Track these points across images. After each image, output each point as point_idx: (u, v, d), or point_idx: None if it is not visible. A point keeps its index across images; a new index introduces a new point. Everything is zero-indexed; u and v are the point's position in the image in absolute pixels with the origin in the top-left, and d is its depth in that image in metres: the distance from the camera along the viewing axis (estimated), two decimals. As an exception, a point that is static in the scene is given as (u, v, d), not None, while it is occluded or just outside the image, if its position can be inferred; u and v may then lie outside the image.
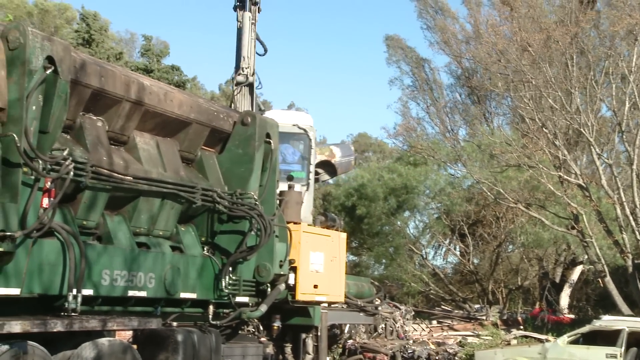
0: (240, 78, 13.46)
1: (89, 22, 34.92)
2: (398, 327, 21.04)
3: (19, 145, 7.03)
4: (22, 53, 7.15)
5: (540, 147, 24.06)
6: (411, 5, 61.01)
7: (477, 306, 30.58)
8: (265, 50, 15.11)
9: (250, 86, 13.59)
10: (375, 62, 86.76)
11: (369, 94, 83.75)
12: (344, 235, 13.27)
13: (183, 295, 9.34)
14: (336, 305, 14.02)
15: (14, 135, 7.03)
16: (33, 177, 7.25)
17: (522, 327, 25.67)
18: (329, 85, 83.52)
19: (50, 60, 7.37)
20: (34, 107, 7.22)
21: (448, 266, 37.50)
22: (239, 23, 14.17)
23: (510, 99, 29.70)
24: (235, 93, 13.40)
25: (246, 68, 13.59)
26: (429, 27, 38.79)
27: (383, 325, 19.73)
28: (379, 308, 17.89)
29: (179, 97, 9.63)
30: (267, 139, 10.68)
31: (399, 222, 33.75)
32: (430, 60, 39.60)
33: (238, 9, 14.19)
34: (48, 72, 7.34)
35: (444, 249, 36.53)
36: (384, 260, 34.96)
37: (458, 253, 35.63)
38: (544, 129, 24.24)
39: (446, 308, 30.79)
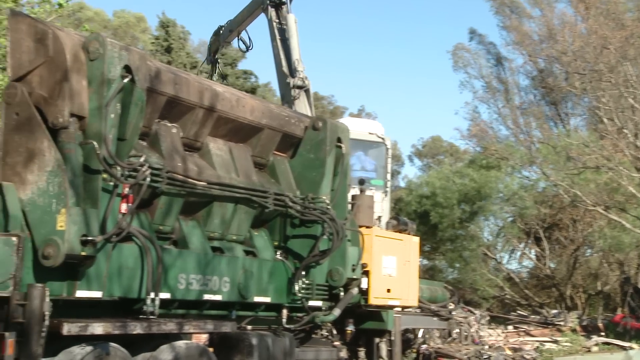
0: (297, 82, 13.49)
1: (168, 30, 35.58)
2: (473, 332, 20.73)
3: (98, 152, 7.25)
4: (102, 63, 7.39)
5: (620, 149, 23.35)
6: (484, 7, 60.33)
7: (554, 311, 29.86)
8: (249, 48, 15.59)
9: (306, 90, 13.63)
10: (448, 63, 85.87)
11: (442, 95, 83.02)
12: (416, 239, 13.18)
13: (257, 299, 9.44)
14: (409, 309, 13.92)
15: (94, 143, 7.26)
16: (112, 184, 7.47)
17: (602, 333, 24.93)
18: (400, 88, 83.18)
19: (127, 69, 7.59)
20: (112, 115, 7.44)
21: (523, 270, 36.76)
22: (277, 23, 14.09)
23: (588, 100, 28.95)
24: (296, 98, 13.43)
25: (302, 71, 13.63)
26: (505, 27, 38.13)
27: (457, 330, 19.47)
28: (453, 313, 17.67)
29: (251, 103, 9.76)
30: (338, 144, 10.71)
31: (472, 227, 33.29)
32: (511, 59, 38.74)
33: (270, 8, 14.19)
34: (125, 80, 7.55)
35: (518, 253, 35.85)
36: (457, 265, 34.51)
37: (534, 257, 34.90)
38: (623, 129, 23.52)
39: (522, 313, 30.18)
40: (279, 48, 14.06)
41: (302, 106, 13.35)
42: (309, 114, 12.99)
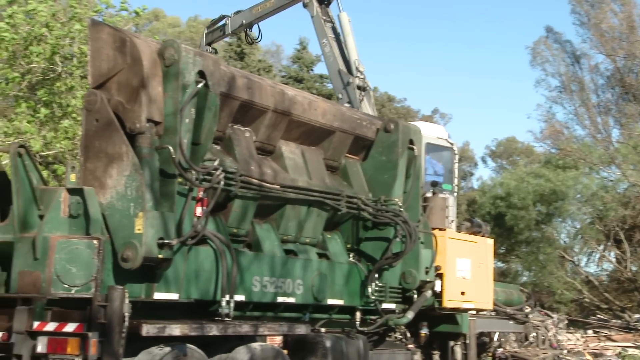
0: (359, 82, 13.35)
1: (240, 36, 36.10)
2: (550, 336, 20.27)
3: (174, 157, 7.40)
4: (176, 69, 7.53)
5: None
6: (561, 4, 59.01)
7: (637, 316, 28.90)
8: (256, 41, 15.13)
9: (367, 90, 13.46)
10: (523, 63, 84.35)
11: (517, 96, 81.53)
12: (490, 241, 12.99)
13: (330, 301, 9.46)
14: (484, 312, 13.72)
15: (170, 148, 7.41)
16: (187, 187, 7.60)
17: (687, 339, 23.98)
18: (474, 89, 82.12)
19: (201, 74, 7.71)
20: (187, 120, 7.57)
21: (603, 274, 35.75)
22: (325, 20, 13.75)
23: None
24: (360, 99, 13.33)
25: (362, 72, 13.44)
26: (582, 23, 37.15)
27: (534, 334, 19.06)
28: (530, 316, 17.34)
29: (322, 106, 9.79)
30: (410, 146, 10.63)
31: (548, 229, 32.57)
32: (590, 56, 37.68)
33: (316, 3, 13.76)
34: (199, 85, 7.68)
35: (597, 256, 34.88)
36: (533, 267, 33.82)
37: (614, 260, 33.89)
38: None
39: (602, 317, 29.33)
40: (333, 47, 13.72)
41: (365, 107, 13.25)
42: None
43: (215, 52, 16.28)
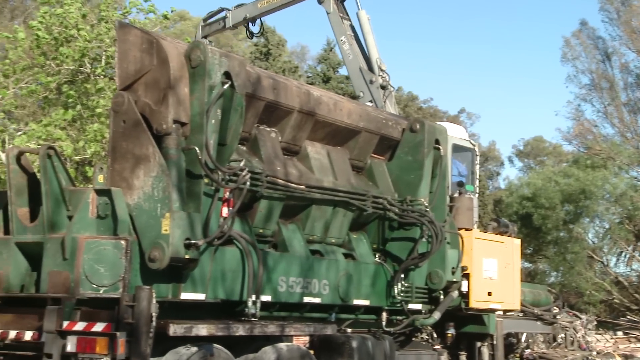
0: (382, 82, 13.24)
1: (267, 37, 36.19)
2: (579, 337, 20.06)
3: (200, 157, 7.44)
4: (203, 70, 7.57)
5: None
6: (588, 2, 58.38)
7: (667, 317, 28.51)
8: (255, 35, 14.59)
9: (388, 89, 13.32)
10: (550, 62, 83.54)
11: (543, 95, 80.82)
12: (517, 241, 12.89)
13: (356, 302, 9.45)
14: (512, 313, 13.62)
15: (196, 149, 7.45)
16: (213, 188, 7.64)
17: None
18: (500, 88, 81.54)
19: (227, 75, 7.75)
20: (213, 121, 7.61)
21: (633, 274, 35.29)
22: (342, 17, 13.46)
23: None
24: (384, 99, 13.24)
25: (385, 70, 13.29)
26: (611, 20, 36.69)
27: (563, 335, 18.88)
28: (558, 317, 17.17)
29: (348, 106, 9.78)
30: (436, 145, 10.59)
31: (576, 229, 32.23)
32: (622, 54, 37.18)
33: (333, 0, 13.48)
34: (225, 86, 7.71)
35: (627, 256, 34.44)
36: (561, 268, 33.49)
37: (644, 260, 33.45)
38: None
39: (633, 318, 28.95)
40: (352, 44, 13.49)
41: (387, 107, 13.17)
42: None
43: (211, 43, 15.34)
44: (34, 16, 17.48)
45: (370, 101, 13.09)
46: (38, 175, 7.59)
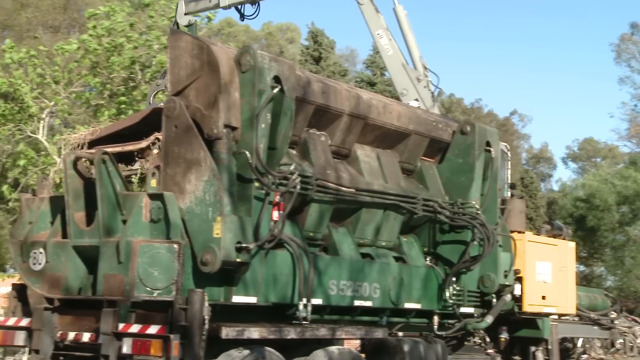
0: (425, 81, 12.88)
1: (318, 40, 36.29)
2: (639, 342, 19.59)
3: (250, 161, 7.49)
4: (252, 74, 7.63)
5: None
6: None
7: None
8: (245, 17, 12.65)
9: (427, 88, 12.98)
10: (603, 61, 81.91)
11: (598, 96, 79.28)
12: (572, 244, 12.69)
13: (407, 305, 9.40)
14: (567, 317, 13.39)
15: (247, 153, 7.51)
16: (264, 192, 7.68)
17: None
18: (553, 89, 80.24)
19: (277, 79, 7.80)
20: (263, 125, 7.66)
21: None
22: (375, 10, 12.85)
23: None
24: (434, 99, 13.00)
25: (428, 69, 12.92)
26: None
27: (621, 341, 18.47)
28: (616, 322, 16.80)
29: (397, 109, 9.75)
30: (487, 147, 10.49)
31: (634, 231, 31.49)
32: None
33: None
34: (275, 91, 7.76)
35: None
36: (618, 271, 32.77)
37: None
38: None
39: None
40: (391, 39, 12.91)
41: (432, 106, 12.93)
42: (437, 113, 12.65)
43: (188, 26, 12.80)
44: (88, 27, 17.88)
45: (416, 100, 12.80)
46: (94, 179, 7.74)
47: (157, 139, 8.55)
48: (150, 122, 8.30)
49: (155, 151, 8.48)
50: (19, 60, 16.59)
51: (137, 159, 9.04)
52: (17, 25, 32.39)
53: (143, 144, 8.88)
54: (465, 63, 75.65)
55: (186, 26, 11.26)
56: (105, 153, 7.67)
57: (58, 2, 33.48)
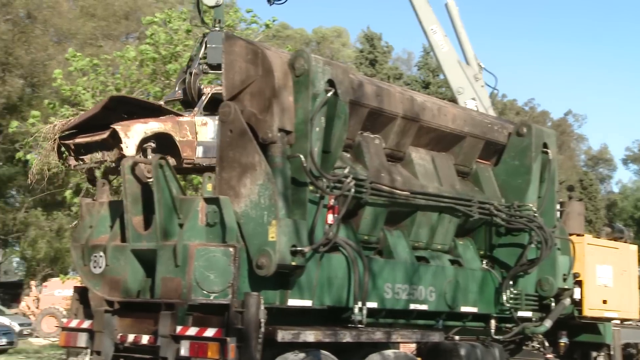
0: (482, 80, 12.57)
1: (374, 43, 36.31)
2: None
3: (305, 165, 7.52)
4: (306, 78, 7.67)
5: None
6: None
7: None
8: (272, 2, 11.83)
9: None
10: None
11: (656, 94, 77.25)
12: (634, 247, 12.41)
13: (464, 309, 9.31)
14: (630, 322, 13.07)
15: (301, 156, 7.54)
16: (318, 195, 7.71)
17: None
18: (611, 87, 78.56)
19: (330, 83, 7.82)
20: (317, 129, 7.69)
21: None
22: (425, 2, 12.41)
23: None
24: (492, 97, 12.73)
25: (483, 68, 12.61)
26: None
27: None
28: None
29: (452, 111, 9.68)
30: (544, 149, 10.33)
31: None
32: None
33: None
34: (329, 94, 7.78)
35: None
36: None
37: None
38: None
39: None
40: (445, 35, 12.57)
41: (490, 106, 12.70)
42: (492, 114, 12.45)
43: (215, 6, 11.12)
44: (146, 35, 18.20)
45: (472, 99, 12.57)
46: (151, 184, 7.87)
47: (115, 130, 8.81)
48: (111, 109, 9.04)
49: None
50: (82, 68, 16.96)
51: (98, 151, 9.21)
52: (80, 33, 33.26)
53: (104, 134, 9.06)
54: (516, 62, 74.59)
55: (212, 7, 10.79)
56: (162, 158, 7.80)
57: (120, 12, 34.30)
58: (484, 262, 10.01)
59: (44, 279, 33.98)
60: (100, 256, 8.03)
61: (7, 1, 32.17)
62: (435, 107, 9.37)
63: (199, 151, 9.50)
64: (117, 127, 8.98)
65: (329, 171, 7.81)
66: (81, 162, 9.47)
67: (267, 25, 18.26)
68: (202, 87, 10.14)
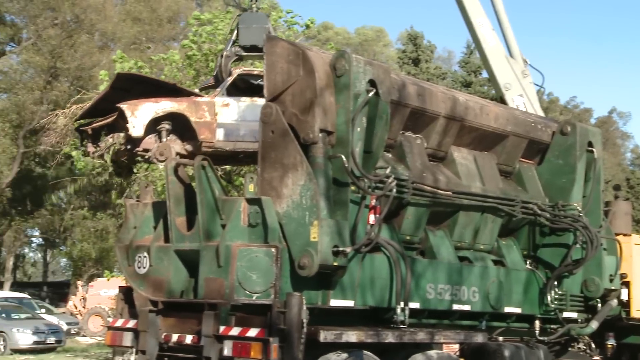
0: (530, 77, 12.32)
1: (417, 42, 36.14)
2: None
3: (346, 165, 7.52)
4: (348, 79, 7.66)
5: None
6: None
7: None
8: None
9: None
10: None
11: None
12: (683, 247, 12.10)
13: (507, 309, 9.22)
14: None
15: (342, 157, 7.54)
16: (360, 195, 7.70)
17: None
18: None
19: (372, 83, 7.80)
20: (358, 129, 7.68)
21: None
22: None
23: None
24: (539, 94, 12.49)
25: (529, 65, 12.34)
26: None
27: None
28: None
29: (494, 110, 9.58)
30: (589, 148, 10.18)
31: None
32: None
33: None
34: (370, 94, 7.76)
35: None
36: None
37: None
38: None
39: None
40: (493, 29, 12.20)
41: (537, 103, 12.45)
42: (538, 112, 12.24)
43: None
44: (190, 34, 18.37)
45: (520, 95, 12.32)
46: (194, 185, 7.95)
47: (122, 110, 8.56)
48: (126, 90, 8.98)
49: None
50: (128, 70, 17.19)
51: (110, 134, 9.02)
52: (125, 37, 33.74)
53: (110, 119, 8.92)
54: (556, 60, 73.49)
55: None
56: (205, 159, 7.86)
57: (164, 15, 34.71)
58: (528, 262, 9.89)
59: (90, 278, 34.57)
60: (144, 257, 8.14)
61: (56, 5, 32.74)
62: (477, 106, 9.29)
63: (219, 134, 8.99)
64: (124, 105, 8.61)
65: (370, 171, 7.79)
66: (98, 148, 9.18)
67: (307, 26, 18.27)
68: (231, 70, 9.77)
